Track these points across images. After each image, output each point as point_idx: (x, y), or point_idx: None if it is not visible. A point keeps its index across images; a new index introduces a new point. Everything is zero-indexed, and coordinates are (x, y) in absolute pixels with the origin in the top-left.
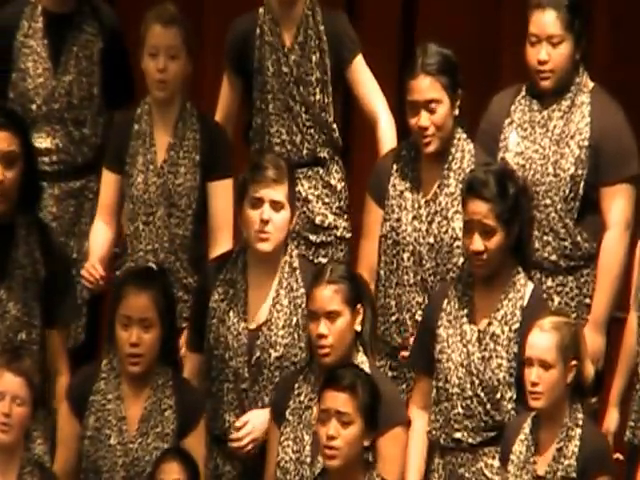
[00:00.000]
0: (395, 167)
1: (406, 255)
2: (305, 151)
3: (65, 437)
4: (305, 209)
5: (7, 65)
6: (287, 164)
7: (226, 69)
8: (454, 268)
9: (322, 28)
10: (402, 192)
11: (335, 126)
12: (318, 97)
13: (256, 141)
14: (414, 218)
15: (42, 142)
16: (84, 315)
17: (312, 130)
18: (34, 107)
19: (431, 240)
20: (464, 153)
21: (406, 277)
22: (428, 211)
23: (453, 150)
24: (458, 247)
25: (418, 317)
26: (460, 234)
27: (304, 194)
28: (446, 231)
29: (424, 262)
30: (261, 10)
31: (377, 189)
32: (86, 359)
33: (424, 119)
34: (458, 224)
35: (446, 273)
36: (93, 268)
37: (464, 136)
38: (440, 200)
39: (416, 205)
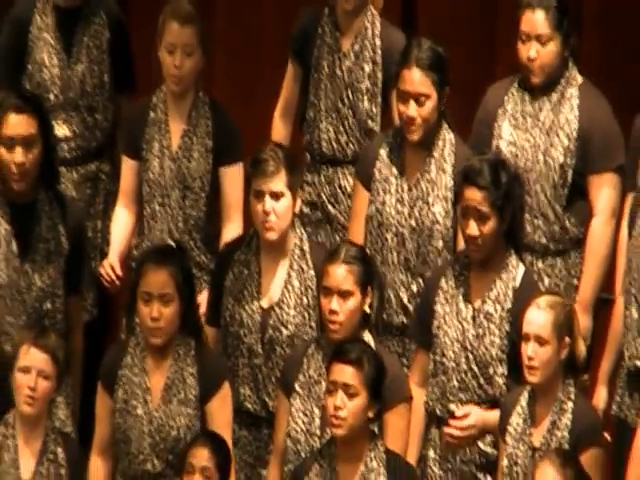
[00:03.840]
0: (382, 152)
1: (389, 236)
2: (349, 151)
3: (100, 414)
4: (349, 202)
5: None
6: (285, 153)
7: (290, 58)
8: (434, 250)
9: (379, 42)
10: (387, 177)
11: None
12: (366, 105)
13: (308, 132)
14: (397, 201)
15: (60, 130)
16: (97, 289)
17: (358, 134)
18: (52, 97)
19: (413, 223)
20: (445, 142)
21: (390, 256)
22: (410, 196)
23: (436, 140)
24: (438, 230)
25: (401, 294)
26: (440, 218)
27: (349, 189)
28: (427, 215)
29: (407, 243)
30: (326, 10)
31: (364, 173)
32: (99, 333)
33: (412, 110)
34: (438, 208)
35: (427, 254)
36: (111, 268)
37: (446, 127)
38: (422, 186)
39: (400, 189)
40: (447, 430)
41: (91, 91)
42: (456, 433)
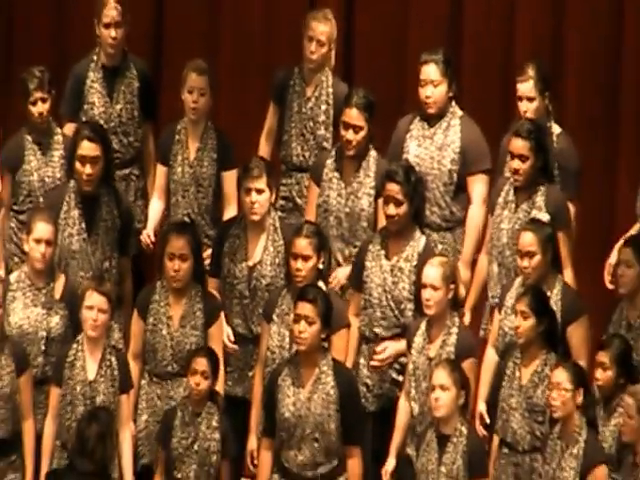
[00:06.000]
0: (328, 162)
1: (331, 218)
2: (310, 162)
3: (135, 332)
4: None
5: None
6: (266, 164)
7: (271, 102)
8: (361, 228)
9: (331, 90)
10: (331, 178)
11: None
12: (322, 132)
13: (283, 150)
14: (338, 195)
15: None
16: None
17: (316, 151)
18: None
19: (347, 210)
20: (370, 157)
21: (331, 232)
22: (346, 191)
23: (364, 155)
24: (364, 215)
25: (338, 257)
26: (366, 207)
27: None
28: (357, 205)
29: (343, 223)
30: (296, 69)
31: (316, 175)
32: (139, 279)
33: (350, 135)
34: (364, 201)
35: (356, 231)
36: (148, 237)
37: (372, 147)
38: (354, 185)
39: (339, 187)
40: (372, 363)
41: (125, 122)
42: (378, 363)
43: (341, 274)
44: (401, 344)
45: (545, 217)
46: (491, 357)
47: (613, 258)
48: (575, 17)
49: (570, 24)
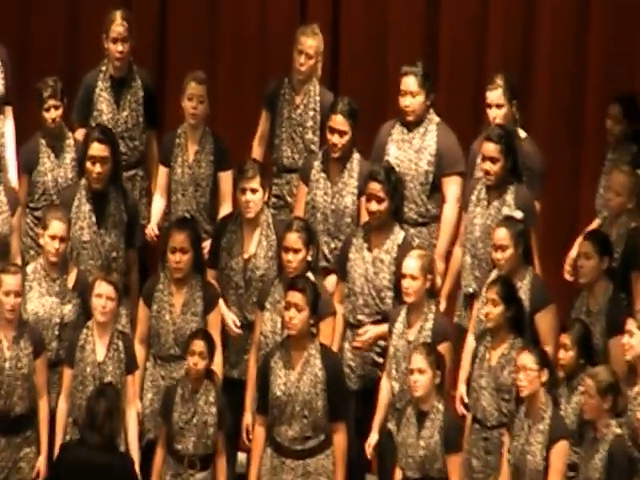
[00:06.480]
0: (316, 164)
1: (318, 214)
2: (300, 164)
3: (141, 318)
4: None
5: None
6: (259, 165)
7: (263, 109)
8: (345, 223)
9: (318, 98)
10: (318, 179)
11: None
12: (310, 136)
13: (275, 153)
14: (324, 194)
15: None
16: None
17: (305, 154)
18: None
19: (333, 207)
20: (354, 159)
21: (319, 227)
22: (332, 190)
23: (348, 157)
24: (348, 212)
25: (324, 249)
26: (349, 205)
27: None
28: (341, 202)
29: (328, 219)
30: (286, 80)
31: (305, 175)
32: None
33: (336, 139)
34: (348, 199)
35: (340, 226)
36: (152, 230)
37: (355, 150)
38: (339, 185)
39: (325, 187)
40: (354, 344)
41: (131, 127)
42: (360, 344)
43: (372, 331)
44: (381, 327)
45: (519, 214)
46: (470, 343)
47: (574, 252)
48: (544, 36)
49: (539, 41)
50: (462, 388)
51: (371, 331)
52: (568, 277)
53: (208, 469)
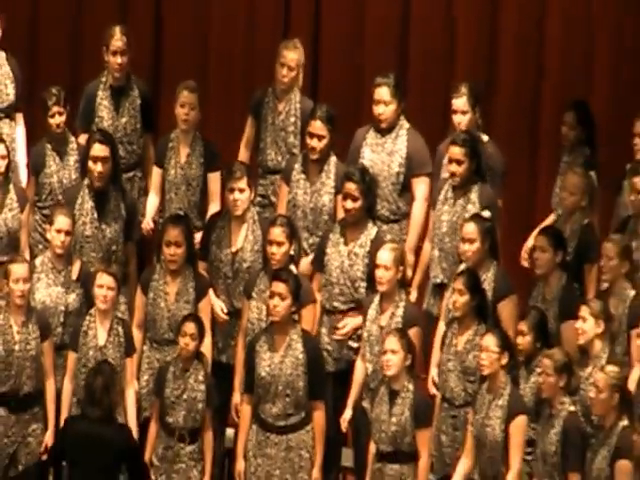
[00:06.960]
0: (296, 166)
1: (298, 212)
2: (282, 166)
3: (139, 304)
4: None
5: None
6: (246, 167)
7: (249, 115)
8: (322, 220)
9: (299, 106)
10: (299, 179)
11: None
12: (292, 140)
13: (260, 155)
14: (304, 193)
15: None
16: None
17: (287, 156)
18: None
19: (312, 205)
20: (331, 161)
21: (299, 223)
22: (311, 190)
23: (326, 159)
24: (325, 210)
25: (304, 244)
26: (327, 203)
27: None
28: (319, 201)
29: (307, 216)
30: (270, 89)
31: (286, 176)
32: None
33: (315, 143)
34: (326, 198)
35: (318, 223)
36: (148, 225)
37: (332, 152)
38: (317, 185)
39: (305, 186)
40: (335, 337)
41: (129, 132)
42: (341, 337)
43: (350, 325)
44: (358, 320)
45: (487, 214)
46: (441, 329)
47: (530, 242)
48: (507, 51)
49: (503, 53)
50: (433, 371)
51: (349, 325)
52: (525, 263)
53: (196, 442)
